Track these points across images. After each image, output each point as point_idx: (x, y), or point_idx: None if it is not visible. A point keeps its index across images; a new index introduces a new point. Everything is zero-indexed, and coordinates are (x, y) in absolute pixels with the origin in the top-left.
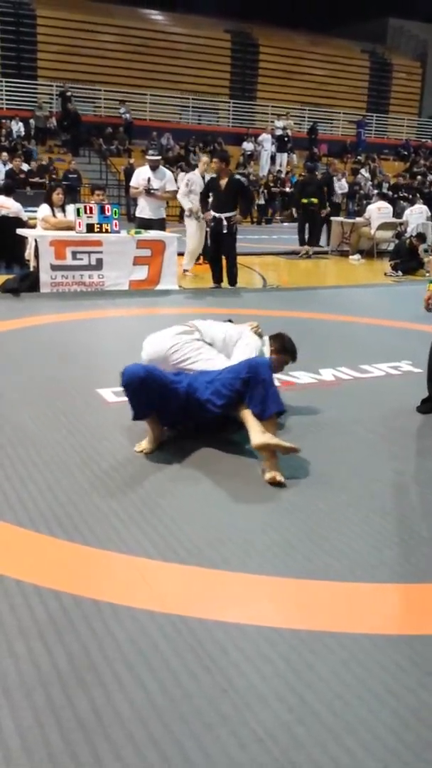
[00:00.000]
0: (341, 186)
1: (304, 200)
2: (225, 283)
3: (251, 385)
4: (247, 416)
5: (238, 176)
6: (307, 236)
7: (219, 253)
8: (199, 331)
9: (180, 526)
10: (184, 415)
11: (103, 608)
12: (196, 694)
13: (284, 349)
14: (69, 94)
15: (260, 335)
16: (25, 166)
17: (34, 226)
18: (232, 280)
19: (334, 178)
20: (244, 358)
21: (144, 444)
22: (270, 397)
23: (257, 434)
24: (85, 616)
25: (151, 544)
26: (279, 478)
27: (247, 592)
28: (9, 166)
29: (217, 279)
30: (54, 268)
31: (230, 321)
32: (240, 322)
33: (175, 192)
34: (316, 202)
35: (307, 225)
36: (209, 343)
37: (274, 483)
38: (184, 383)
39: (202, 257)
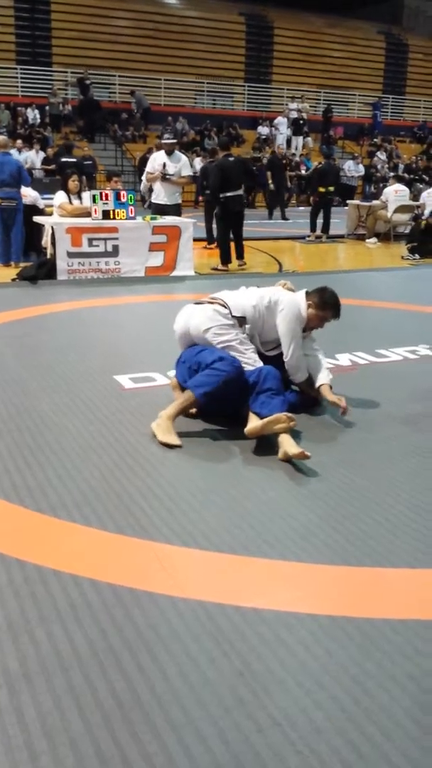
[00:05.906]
0: (357, 169)
1: (322, 189)
2: (234, 265)
3: (255, 390)
4: (248, 411)
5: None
6: (322, 223)
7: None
8: (228, 308)
9: (198, 512)
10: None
11: (121, 593)
12: (214, 678)
13: (324, 305)
14: (88, 82)
15: (292, 291)
16: (41, 154)
17: (50, 214)
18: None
19: (350, 161)
20: (286, 336)
21: (165, 414)
22: (269, 404)
23: (249, 424)
24: (103, 601)
25: (169, 529)
26: (290, 452)
27: (266, 577)
28: (25, 153)
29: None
30: (71, 255)
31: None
32: None
33: (191, 177)
34: (333, 191)
35: (321, 212)
36: (242, 316)
37: (286, 459)
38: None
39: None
